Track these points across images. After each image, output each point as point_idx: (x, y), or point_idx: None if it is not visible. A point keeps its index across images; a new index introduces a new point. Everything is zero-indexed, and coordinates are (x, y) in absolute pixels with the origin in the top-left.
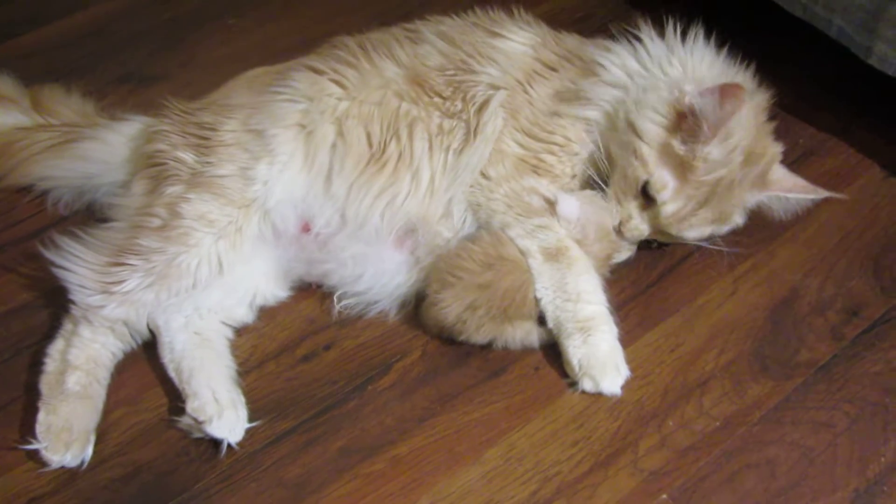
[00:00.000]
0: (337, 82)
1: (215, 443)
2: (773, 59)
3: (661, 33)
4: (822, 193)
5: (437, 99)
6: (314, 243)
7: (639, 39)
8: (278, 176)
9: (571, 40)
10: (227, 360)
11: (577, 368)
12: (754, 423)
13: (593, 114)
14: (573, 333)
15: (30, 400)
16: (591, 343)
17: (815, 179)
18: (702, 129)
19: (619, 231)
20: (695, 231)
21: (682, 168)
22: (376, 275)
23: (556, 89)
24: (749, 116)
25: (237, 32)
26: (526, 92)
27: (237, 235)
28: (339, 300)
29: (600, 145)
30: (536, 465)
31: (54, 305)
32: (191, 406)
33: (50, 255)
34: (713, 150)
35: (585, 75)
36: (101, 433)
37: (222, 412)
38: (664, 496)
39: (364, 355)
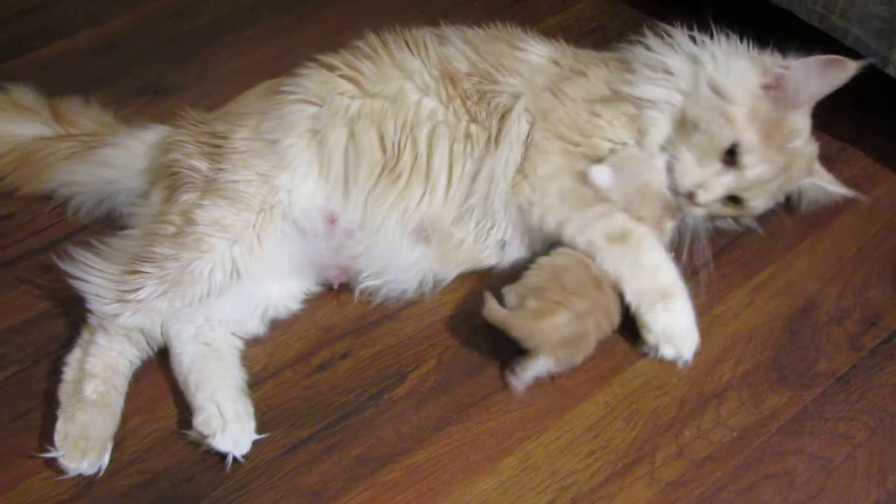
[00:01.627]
0: (350, 78)
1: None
2: None
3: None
4: (852, 192)
5: (467, 102)
6: (341, 233)
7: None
8: (301, 185)
9: (591, 53)
10: (235, 371)
11: (659, 336)
12: (772, 433)
13: (659, 92)
14: (655, 303)
15: (48, 409)
16: (671, 311)
17: None
18: (792, 95)
19: (690, 198)
20: (763, 200)
21: (767, 133)
22: (395, 261)
23: (587, 89)
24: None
25: (253, 45)
26: (555, 94)
27: (255, 240)
28: (362, 282)
29: (668, 117)
30: (552, 474)
31: (72, 315)
32: (196, 420)
33: (65, 266)
34: (798, 118)
35: (626, 70)
36: (119, 441)
37: (226, 426)
38: None
39: (380, 364)
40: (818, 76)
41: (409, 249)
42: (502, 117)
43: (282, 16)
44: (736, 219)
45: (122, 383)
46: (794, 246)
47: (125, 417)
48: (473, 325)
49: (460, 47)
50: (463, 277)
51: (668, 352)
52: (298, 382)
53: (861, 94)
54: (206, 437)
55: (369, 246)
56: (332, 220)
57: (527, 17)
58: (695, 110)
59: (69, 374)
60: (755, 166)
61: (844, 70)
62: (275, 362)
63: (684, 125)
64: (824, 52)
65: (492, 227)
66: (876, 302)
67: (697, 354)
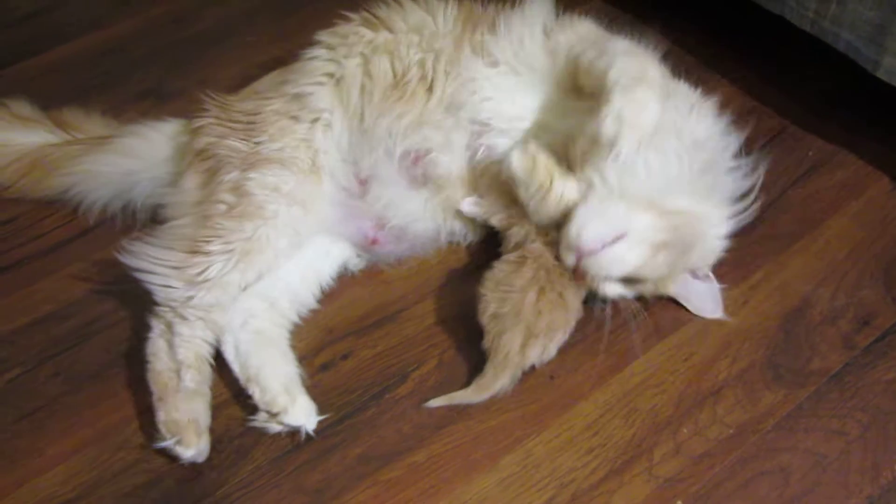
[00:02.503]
0: (367, 23)
1: (237, 450)
2: (782, 73)
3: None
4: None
5: (479, 34)
6: (368, 191)
7: None
8: (330, 138)
9: None
10: (290, 357)
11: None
12: (767, 430)
13: None
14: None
15: (53, 409)
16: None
17: (825, 191)
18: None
19: None
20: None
21: None
22: (407, 206)
23: None
24: None
25: (254, 49)
26: None
27: (309, 200)
28: (391, 221)
29: None
30: (552, 472)
31: (76, 317)
32: (262, 400)
33: (128, 261)
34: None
35: None
36: (124, 440)
37: (296, 399)
38: (679, 503)
39: (381, 364)
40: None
41: (411, 188)
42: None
43: (282, 21)
44: None
45: (209, 372)
46: (787, 247)
47: (129, 418)
48: (473, 326)
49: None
50: (460, 279)
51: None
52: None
53: (853, 99)
54: (276, 414)
55: (388, 198)
56: (362, 182)
57: None
58: None
59: (158, 364)
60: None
61: None
62: None
63: None
64: (815, 57)
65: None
66: (868, 301)
67: (694, 354)
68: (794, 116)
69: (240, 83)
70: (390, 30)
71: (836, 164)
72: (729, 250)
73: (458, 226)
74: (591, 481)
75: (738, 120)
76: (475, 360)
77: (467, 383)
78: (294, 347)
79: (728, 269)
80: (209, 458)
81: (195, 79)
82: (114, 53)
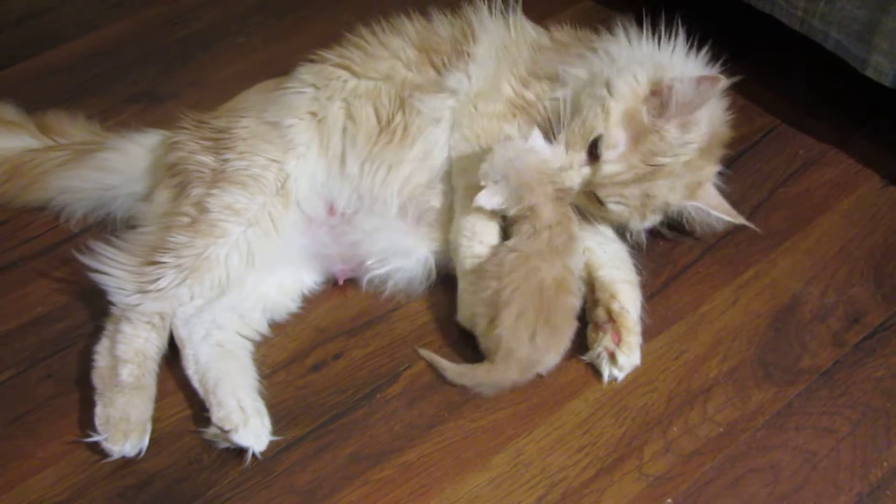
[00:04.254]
0: (342, 66)
1: (229, 451)
2: (772, 71)
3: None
4: (740, 219)
5: (436, 58)
6: (341, 222)
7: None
8: (303, 168)
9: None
10: (250, 371)
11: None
12: (758, 428)
13: (578, 72)
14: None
15: (44, 411)
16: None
17: (815, 190)
18: (670, 106)
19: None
20: (618, 205)
21: (637, 137)
22: (392, 241)
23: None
24: (714, 114)
25: (246, 51)
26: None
27: (270, 225)
28: (369, 269)
29: (569, 99)
30: (543, 470)
31: (67, 319)
32: (216, 415)
33: (86, 259)
34: (672, 130)
35: (578, 48)
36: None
37: (248, 420)
38: (669, 501)
39: (372, 364)
40: (694, 90)
41: (401, 223)
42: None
43: (275, 23)
44: (624, 230)
45: (153, 367)
46: (777, 245)
47: None
48: (463, 327)
49: (446, 19)
50: (452, 279)
51: None
52: (292, 383)
53: (842, 97)
54: (227, 431)
55: (366, 230)
56: (332, 212)
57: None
58: (583, 98)
59: (100, 361)
60: (611, 163)
61: (716, 84)
62: (269, 363)
63: (574, 110)
64: (804, 56)
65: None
66: (858, 299)
67: (685, 352)
68: (785, 115)
69: (233, 85)
70: (368, 77)
71: (827, 163)
72: (719, 248)
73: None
74: (582, 479)
75: (729, 118)
76: (467, 359)
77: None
78: (285, 347)
79: (719, 267)
80: (199, 459)
81: (188, 81)
82: (107, 56)
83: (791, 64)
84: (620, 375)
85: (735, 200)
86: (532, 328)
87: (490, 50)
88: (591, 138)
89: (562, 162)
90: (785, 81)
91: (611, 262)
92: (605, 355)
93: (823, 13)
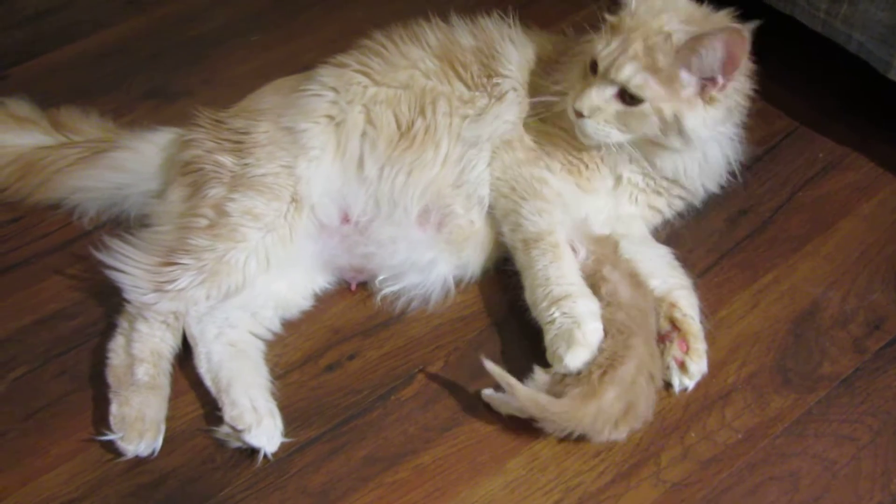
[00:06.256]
0: (362, 72)
1: (242, 451)
2: (793, 74)
3: None
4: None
5: (462, 71)
6: (354, 231)
7: None
8: (315, 171)
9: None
10: (263, 370)
11: (550, 346)
12: (777, 435)
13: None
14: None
15: (58, 408)
16: (568, 313)
17: (836, 193)
18: (695, 57)
19: (577, 113)
20: (627, 70)
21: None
22: (409, 254)
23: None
24: None
25: (259, 49)
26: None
27: (287, 231)
28: (382, 286)
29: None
30: (559, 475)
31: (81, 316)
32: (229, 415)
33: (102, 256)
34: (685, 78)
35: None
36: None
37: (261, 421)
38: None
39: (387, 365)
40: (723, 45)
41: (418, 232)
42: (500, 98)
43: (287, 21)
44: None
45: (167, 367)
46: (797, 250)
47: None
48: (479, 328)
49: (467, 29)
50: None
51: (559, 357)
52: (306, 383)
53: (862, 100)
54: (240, 431)
55: (380, 241)
56: (346, 220)
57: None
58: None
59: (115, 359)
60: (605, 48)
61: (742, 37)
62: (283, 363)
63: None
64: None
65: (480, 202)
66: (879, 305)
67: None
68: (805, 118)
69: (246, 83)
70: (387, 85)
71: (847, 166)
72: (737, 253)
73: (462, 273)
74: (598, 485)
75: (749, 121)
76: (480, 362)
77: (473, 384)
78: (299, 347)
79: (737, 271)
80: (213, 459)
81: (200, 78)
82: (120, 53)
83: (812, 66)
84: (691, 384)
85: (754, 203)
86: (646, 394)
87: (515, 78)
88: (590, 60)
89: (573, 98)
90: (805, 84)
91: (661, 269)
92: (674, 365)
93: (846, 15)
